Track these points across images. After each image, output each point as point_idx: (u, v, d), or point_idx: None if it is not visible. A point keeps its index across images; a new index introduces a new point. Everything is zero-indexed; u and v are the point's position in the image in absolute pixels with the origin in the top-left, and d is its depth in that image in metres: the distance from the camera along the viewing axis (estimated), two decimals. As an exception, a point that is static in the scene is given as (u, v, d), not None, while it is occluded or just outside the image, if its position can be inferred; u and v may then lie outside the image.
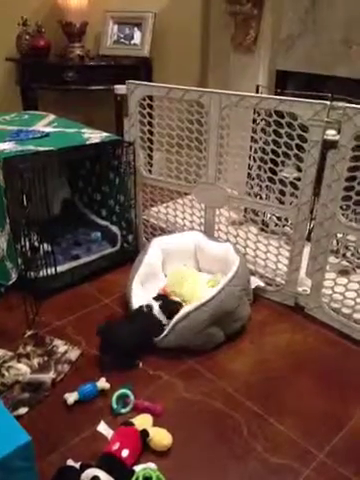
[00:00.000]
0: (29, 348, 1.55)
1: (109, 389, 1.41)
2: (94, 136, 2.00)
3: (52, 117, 2.37)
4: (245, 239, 1.93)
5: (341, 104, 1.50)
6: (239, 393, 1.43)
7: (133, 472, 1.13)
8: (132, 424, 1.26)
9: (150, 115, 1.98)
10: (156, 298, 1.65)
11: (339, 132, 1.52)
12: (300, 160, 1.65)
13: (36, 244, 1.82)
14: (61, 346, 1.58)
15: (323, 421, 1.35)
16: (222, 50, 2.66)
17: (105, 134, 2.05)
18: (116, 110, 2.22)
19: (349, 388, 1.47)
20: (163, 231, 2.16)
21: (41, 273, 1.84)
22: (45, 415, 1.34)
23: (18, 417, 1.29)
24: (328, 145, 1.56)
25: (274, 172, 1.79)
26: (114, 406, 1.35)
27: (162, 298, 1.65)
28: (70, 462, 1.16)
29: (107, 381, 1.42)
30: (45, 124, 2.21)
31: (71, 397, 1.36)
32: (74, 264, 1.99)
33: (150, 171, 2.11)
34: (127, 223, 2.16)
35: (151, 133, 2.04)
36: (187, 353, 1.57)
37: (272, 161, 1.77)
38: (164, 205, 2.15)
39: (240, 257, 1.74)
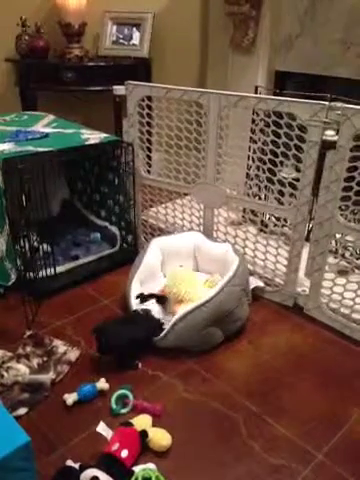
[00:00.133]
0: (28, 349, 1.56)
1: (108, 390, 1.41)
2: (93, 137, 2.00)
3: (51, 118, 2.37)
4: (244, 239, 1.93)
5: (340, 104, 1.50)
6: (238, 393, 1.44)
7: (132, 472, 1.13)
8: (131, 424, 1.26)
9: (149, 115, 1.98)
10: (150, 296, 1.67)
11: (338, 132, 1.52)
12: (299, 160, 1.66)
13: (35, 245, 1.82)
14: (60, 347, 1.58)
15: (322, 421, 1.35)
16: (221, 51, 2.66)
17: (104, 135, 2.05)
18: (115, 110, 2.22)
19: (348, 388, 1.47)
20: (162, 231, 2.16)
21: (40, 274, 1.84)
22: (44, 416, 1.34)
23: (17, 417, 1.29)
24: (327, 145, 1.56)
25: (273, 172, 1.79)
26: (113, 406, 1.35)
27: (155, 296, 1.66)
28: (69, 462, 1.16)
29: (106, 382, 1.43)
30: (44, 125, 2.22)
31: (70, 398, 1.36)
32: (73, 265, 1.99)
33: (149, 171, 2.11)
34: (126, 223, 2.16)
35: (150, 133, 2.04)
36: (186, 353, 1.57)
37: (271, 161, 1.77)
38: (163, 205, 2.16)
39: (240, 257, 1.75)
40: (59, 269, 1.91)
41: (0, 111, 2.49)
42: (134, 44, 2.92)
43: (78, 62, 2.82)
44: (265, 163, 1.79)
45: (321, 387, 1.47)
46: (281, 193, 1.78)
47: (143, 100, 1.95)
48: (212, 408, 1.38)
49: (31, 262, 1.81)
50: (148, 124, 2.00)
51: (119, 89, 2.00)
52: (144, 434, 1.22)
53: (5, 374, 1.43)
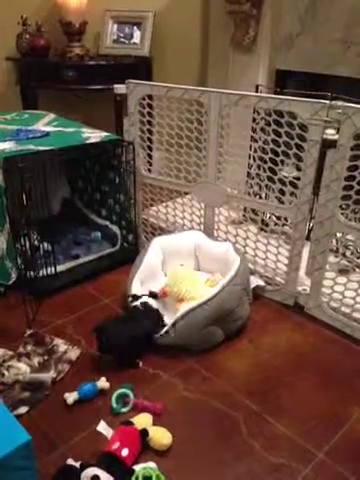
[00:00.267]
0: (29, 347, 1.56)
1: (109, 388, 1.41)
2: (94, 135, 2.00)
3: (52, 116, 2.37)
4: (245, 238, 1.93)
5: (340, 103, 1.50)
6: (238, 392, 1.44)
7: (133, 471, 1.13)
8: (132, 423, 1.26)
9: (150, 114, 1.98)
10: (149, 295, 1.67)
11: (338, 131, 1.52)
12: (299, 159, 1.66)
13: (36, 243, 1.82)
14: (61, 345, 1.58)
15: (322, 420, 1.35)
16: (222, 49, 2.66)
17: (105, 133, 2.05)
18: (116, 109, 2.22)
19: (348, 387, 1.47)
20: (163, 230, 2.16)
21: (41, 272, 1.84)
22: (45, 414, 1.34)
23: (18, 416, 1.29)
24: (327, 144, 1.56)
25: (274, 171, 1.79)
26: (114, 405, 1.35)
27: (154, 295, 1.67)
28: (70, 461, 1.17)
29: (107, 380, 1.43)
30: (45, 123, 2.22)
31: (71, 396, 1.36)
32: (74, 264, 1.99)
33: (150, 170, 2.11)
34: (127, 222, 2.16)
35: (151, 132, 2.04)
36: (186, 352, 1.58)
37: (272, 160, 1.77)
38: (164, 204, 2.16)
39: (241, 256, 1.75)
40: (60, 268, 1.91)
41: (1, 110, 2.49)
42: (135, 43, 2.92)
43: (79, 61, 2.82)
44: (266, 162, 1.79)
45: (322, 386, 1.47)
46: (282, 192, 1.78)
47: (144, 99, 1.95)
48: (212, 407, 1.38)
49: (32, 261, 1.81)
50: (149, 123, 2.00)
51: (120, 88, 2.00)
52: (144, 433, 1.22)
53: (6, 373, 1.43)
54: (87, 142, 1.94)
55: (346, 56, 2.14)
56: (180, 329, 1.55)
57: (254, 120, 1.85)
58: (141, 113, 1.98)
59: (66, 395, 1.37)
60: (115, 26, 2.94)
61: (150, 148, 2.09)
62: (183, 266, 1.90)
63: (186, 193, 2.05)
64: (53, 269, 1.87)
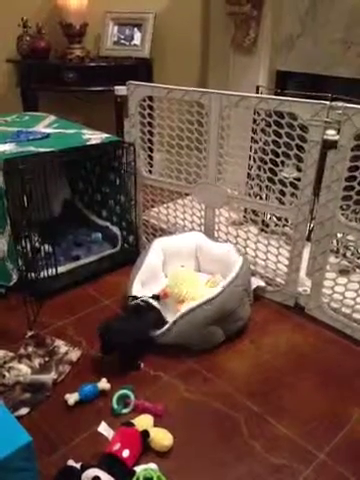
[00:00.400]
0: (30, 349, 1.56)
1: (110, 390, 1.41)
2: (94, 137, 2.01)
3: (52, 118, 2.37)
4: (245, 239, 1.93)
5: (341, 104, 1.50)
6: (239, 393, 1.44)
7: (134, 472, 1.13)
8: (133, 425, 1.26)
9: (150, 116, 1.98)
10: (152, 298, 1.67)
11: (339, 132, 1.52)
12: (300, 160, 1.66)
13: (37, 245, 1.82)
14: (62, 347, 1.58)
15: (323, 421, 1.35)
16: (222, 51, 2.67)
17: (105, 135, 2.05)
18: (116, 111, 2.23)
19: (349, 388, 1.47)
20: (163, 232, 2.17)
21: (42, 274, 1.84)
22: (46, 416, 1.34)
23: (19, 418, 1.29)
24: (328, 145, 1.56)
25: (274, 172, 1.79)
26: (115, 406, 1.35)
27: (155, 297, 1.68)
28: (71, 462, 1.17)
29: (108, 382, 1.43)
30: (45, 125, 2.22)
31: (72, 398, 1.37)
32: (74, 265, 2.00)
33: (150, 171, 2.12)
34: (127, 224, 2.16)
35: (151, 134, 2.04)
36: (187, 353, 1.58)
37: (272, 161, 1.77)
38: (164, 205, 2.16)
39: (242, 257, 1.75)
40: (60, 269, 1.91)
41: (1, 112, 2.49)
42: (135, 44, 2.92)
43: (79, 62, 2.82)
44: (266, 163, 1.79)
45: (322, 387, 1.47)
46: (282, 193, 1.78)
47: (144, 100, 1.95)
48: (213, 408, 1.38)
49: (32, 262, 1.81)
50: (149, 124, 2.00)
51: (120, 89, 2.00)
52: (145, 434, 1.22)
53: (7, 374, 1.43)
54: (88, 144, 1.95)
55: (346, 57, 2.15)
56: (180, 328, 1.55)
57: (254, 121, 1.85)
58: (142, 114, 1.98)
59: (67, 396, 1.37)
60: (115, 28, 2.94)
61: (151, 149, 2.09)
62: (184, 267, 1.90)
63: (187, 194, 2.06)
64: (54, 270, 1.88)
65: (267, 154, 1.78)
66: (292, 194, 1.74)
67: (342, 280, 1.69)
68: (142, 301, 1.62)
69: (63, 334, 1.66)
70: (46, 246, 1.88)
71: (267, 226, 1.89)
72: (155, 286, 1.83)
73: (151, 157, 2.11)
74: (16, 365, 1.47)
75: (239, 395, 1.43)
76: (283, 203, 1.79)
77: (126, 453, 1.15)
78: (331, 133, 1.54)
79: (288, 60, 2.40)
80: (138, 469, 1.15)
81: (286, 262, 1.82)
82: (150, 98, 1.95)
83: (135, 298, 1.67)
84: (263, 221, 1.91)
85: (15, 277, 1.87)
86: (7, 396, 1.37)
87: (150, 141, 2.06)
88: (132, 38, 2.93)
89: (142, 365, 1.53)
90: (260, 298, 1.89)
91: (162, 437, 1.25)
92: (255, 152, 1.89)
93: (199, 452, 1.25)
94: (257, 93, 2.13)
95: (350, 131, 1.49)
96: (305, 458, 1.23)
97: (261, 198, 1.99)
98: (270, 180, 1.82)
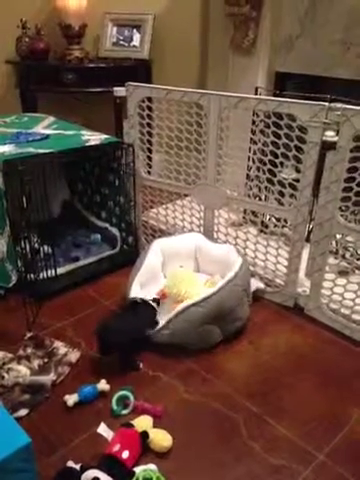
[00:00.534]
0: (29, 350, 1.56)
1: (109, 391, 1.41)
2: (93, 138, 2.01)
3: (51, 119, 2.37)
4: (244, 240, 1.93)
5: (339, 105, 1.50)
6: (238, 394, 1.44)
7: (133, 473, 1.13)
8: (132, 426, 1.26)
9: (149, 117, 1.98)
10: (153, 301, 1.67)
11: (338, 133, 1.52)
12: (299, 161, 1.66)
13: (36, 246, 1.82)
14: (61, 348, 1.58)
15: (322, 422, 1.35)
16: (221, 52, 2.67)
17: (104, 136, 2.05)
18: (115, 112, 2.22)
19: (348, 389, 1.47)
20: (162, 233, 2.17)
21: (41, 275, 1.84)
22: (45, 417, 1.34)
23: (18, 419, 1.29)
24: (327, 146, 1.56)
25: (273, 173, 1.79)
26: (114, 408, 1.35)
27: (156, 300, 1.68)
28: (70, 463, 1.17)
29: (107, 383, 1.43)
30: (44, 126, 2.22)
31: (71, 399, 1.37)
32: (74, 266, 2.00)
33: (149, 172, 2.12)
34: (127, 225, 2.16)
35: (150, 135, 2.04)
36: (186, 354, 1.58)
37: (271, 162, 1.77)
38: (163, 206, 2.16)
39: (242, 258, 1.75)
40: (60, 270, 1.91)
41: (0, 113, 2.49)
42: (134, 45, 2.92)
43: (78, 64, 2.82)
44: (265, 164, 1.79)
45: (321, 387, 1.47)
46: (281, 194, 1.78)
47: (143, 101, 1.95)
48: (213, 409, 1.38)
49: (32, 263, 1.81)
50: (148, 125, 2.01)
51: (119, 90, 2.00)
52: (145, 435, 1.22)
53: (6, 375, 1.43)
54: (87, 145, 1.95)
55: (345, 58, 2.15)
56: (176, 326, 1.56)
57: (253, 122, 1.85)
58: (141, 115, 1.99)
59: (66, 397, 1.37)
60: (115, 29, 2.95)
61: (150, 150, 2.10)
62: (182, 267, 1.90)
63: (186, 195, 2.06)
64: (53, 271, 1.88)
65: (266, 155, 1.78)
66: (291, 195, 1.74)
67: (341, 281, 1.70)
68: (140, 298, 1.62)
69: (62, 335, 1.66)
70: (45, 247, 1.88)
71: (266, 227, 1.90)
72: (154, 287, 1.83)
73: (150, 158, 2.11)
74: (15, 366, 1.47)
75: (238, 396, 1.43)
76: (282, 204, 1.79)
77: (126, 454, 1.15)
78: (330, 134, 1.54)
79: (287, 61, 2.40)
80: (138, 470, 1.15)
81: (285, 263, 1.82)
82: (149, 99, 1.95)
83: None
84: (262, 222, 1.91)
85: (14, 278, 1.87)
86: (6, 397, 1.37)
87: (149, 142, 2.07)
88: (131, 39, 2.93)
89: (141, 365, 1.53)
90: (259, 299, 1.89)
91: (161, 438, 1.25)
92: (254, 153, 1.89)
93: (198, 453, 1.25)
94: (256, 94, 2.13)
95: (349, 132, 1.49)
96: (304, 459, 1.23)
97: (260, 199, 1.99)
98: (269, 181, 1.82)
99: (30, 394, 1.39)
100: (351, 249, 1.80)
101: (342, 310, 1.71)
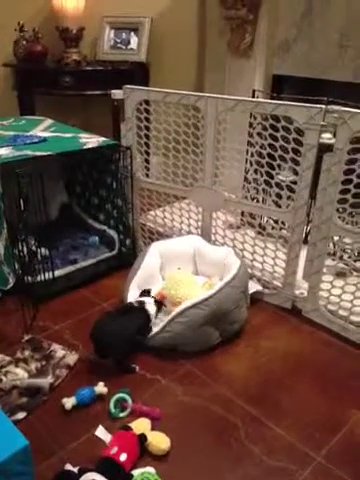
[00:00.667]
0: (27, 353, 1.55)
1: (107, 393, 1.41)
2: (91, 141, 2.01)
3: (49, 122, 2.37)
4: (242, 242, 1.93)
5: (336, 108, 1.51)
6: (236, 396, 1.44)
7: (131, 476, 1.13)
8: (130, 428, 1.26)
9: (147, 119, 1.99)
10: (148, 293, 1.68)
11: (335, 135, 1.53)
12: (296, 163, 1.66)
13: (34, 249, 1.82)
14: (59, 351, 1.57)
15: (321, 424, 1.35)
16: (218, 54, 2.68)
17: (102, 139, 2.05)
18: (113, 115, 2.23)
19: (346, 390, 1.47)
20: (160, 235, 2.17)
21: (39, 278, 1.84)
22: (43, 420, 1.34)
23: (16, 422, 1.29)
24: (324, 148, 1.57)
25: (271, 175, 1.80)
26: (112, 410, 1.35)
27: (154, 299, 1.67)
28: (68, 466, 1.16)
29: (105, 385, 1.43)
30: (42, 129, 2.22)
31: (69, 402, 1.36)
32: (72, 268, 1.99)
33: (147, 175, 2.12)
34: (124, 227, 2.16)
35: (148, 137, 2.04)
36: (184, 356, 1.58)
37: (268, 165, 1.78)
38: (161, 209, 2.16)
39: (240, 260, 1.75)
40: (57, 273, 1.91)
41: (-2, 116, 2.49)
42: (132, 48, 2.93)
43: (76, 67, 2.83)
44: (263, 166, 1.80)
45: (320, 389, 1.47)
46: (279, 196, 1.79)
47: (141, 104, 1.95)
48: (211, 411, 1.38)
49: (29, 266, 1.80)
50: (146, 128, 2.01)
51: (117, 93, 2.01)
52: (143, 438, 1.22)
53: (3, 378, 1.43)
54: (84, 147, 1.95)
55: (342, 60, 2.16)
56: (174, 328, 1.56)
57: (251, 125, 1.85)
58: (138, 118, 1.99)
59: (64, 400, 1.37)
60: (112, 32, 2.95)
61: (147, 153, 2.10)
62: (180, 269, 1.90)
63: (183, 198, 2.06)
64: (51, 274, 1.87)
65: (263, 157, 1.78)
66: (289, 197, 1.74)
67: (339, 283, 1.70)
68: (137, 301, 1.62)
69: (60, 338, 1.66)
70: (43, 250, 1.88)
71: (264, 229, 1.90)
72: (152, 289, 1.82)
73: (148, 161, 2.11)
74: (13, 369, 1.47)
75: (236, 398, 1.43)
76: (280, 206, 1.80)
77: (123, 457, 1.15)
78: (327, 136, 1.55)
79: (284, 64, 2.41)
80: (135, 473, 1.14)
81: (283, 265, 1.82)
82: (147, 102, 1.95)
83: (144, 290, 1.68)
84: (260, 224, 1.91)
85: (12, 281, 1.86)
86: (4, 400, 1.36)
87: (147, 145, 2.07)
88: (129, 42, 2.94)
89: (137, 368, 1.53)
90: (257, 301, 1.89)
91: (159, 441, 1.24)
92: (252, 155, 1.89)
93: (196, 455, 1.24)
94: (253, 97, 2.14)
95: (346, 134, 1.49)
96: (303, 461, 1.23)
97: (258, 201, 2.00)
98: (267, 183, 1.82)
99: (28, 397, 1.39)
100: (348, 251, 1.80)
101: (340, 312, 1.71)
